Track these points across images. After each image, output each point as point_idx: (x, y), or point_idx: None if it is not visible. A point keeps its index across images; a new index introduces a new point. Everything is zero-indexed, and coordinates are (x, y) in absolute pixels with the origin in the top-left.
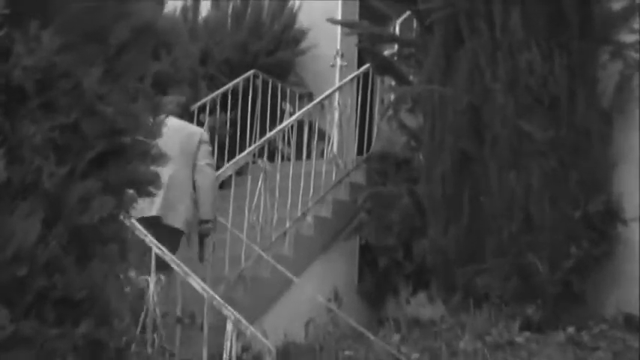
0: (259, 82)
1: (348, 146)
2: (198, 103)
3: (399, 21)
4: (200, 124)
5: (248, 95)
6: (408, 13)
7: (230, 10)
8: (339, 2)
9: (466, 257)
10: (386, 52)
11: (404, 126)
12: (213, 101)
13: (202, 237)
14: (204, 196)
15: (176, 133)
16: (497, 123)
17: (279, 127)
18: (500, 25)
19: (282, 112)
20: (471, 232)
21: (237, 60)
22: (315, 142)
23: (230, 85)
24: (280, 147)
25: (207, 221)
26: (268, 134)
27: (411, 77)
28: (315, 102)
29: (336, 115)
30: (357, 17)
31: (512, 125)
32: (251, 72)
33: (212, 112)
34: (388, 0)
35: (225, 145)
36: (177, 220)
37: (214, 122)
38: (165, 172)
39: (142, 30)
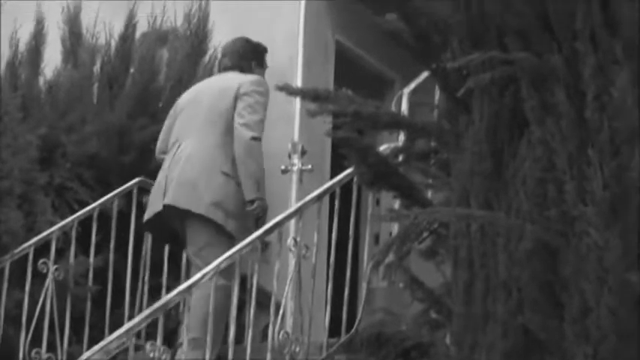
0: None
1: (312, 321)
2: (36, 239)
3: (407, 90)
4: (40, 275)
5: (129, 224)
6: (424, 75)
7: (97, 68)
8: (299, 54)
9: None
10: (383, 148)
11: (416, 283)
12: (65, 236)
13: (256, 221)
14: (239, 169)
15: (205, 93)
16: (592, 280)
17: (185, 284)
18: (594, 97)
19: None
20: None
21: (109, 157)
22: (251, 312)
23: (96, 204)
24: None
25: (251, 202)
26: (165, 297)
27: (429, 193)
28: (252, 237)
29: (292, 262)
30: (330, 82)
31: (619, 283)
32: (134, 181)
33: (61, 254)
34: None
35: (85, 317)
36: (194, 202)
37: (63, 273)
38: (183, 147)
39: None
